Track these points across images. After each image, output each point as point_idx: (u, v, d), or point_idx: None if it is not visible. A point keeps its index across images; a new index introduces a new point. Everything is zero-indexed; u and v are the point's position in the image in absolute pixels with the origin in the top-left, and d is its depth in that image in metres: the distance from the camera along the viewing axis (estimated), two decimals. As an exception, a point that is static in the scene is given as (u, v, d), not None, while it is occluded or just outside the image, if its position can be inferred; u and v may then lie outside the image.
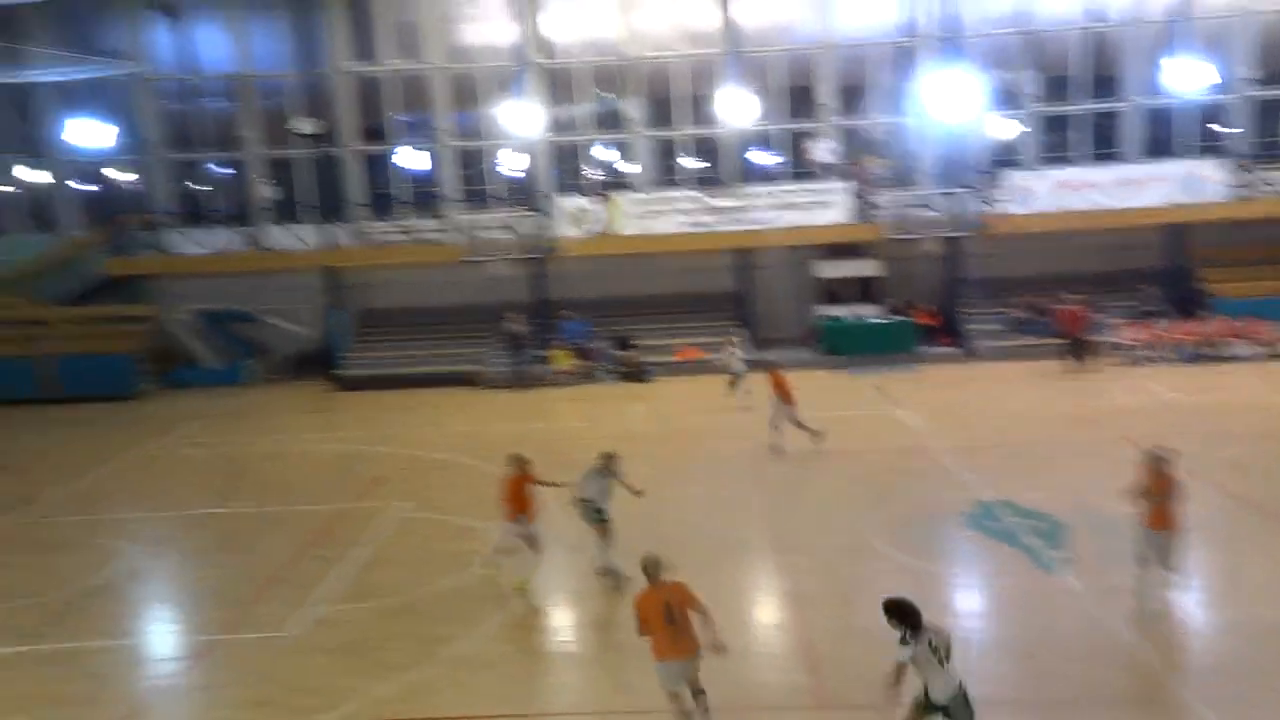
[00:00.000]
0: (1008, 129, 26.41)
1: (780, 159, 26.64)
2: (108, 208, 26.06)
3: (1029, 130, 26.16)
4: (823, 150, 25.50)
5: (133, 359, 24.20)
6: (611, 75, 26.29)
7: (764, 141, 26.68)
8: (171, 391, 24.64)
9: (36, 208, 27.75)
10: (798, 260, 25.81)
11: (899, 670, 6.84)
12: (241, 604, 11.17)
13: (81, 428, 21.12)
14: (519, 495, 11.06)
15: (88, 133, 24.93)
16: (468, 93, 26.43)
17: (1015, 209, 24.08)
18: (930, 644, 6.82)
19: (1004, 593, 10.92)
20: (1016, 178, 24.52)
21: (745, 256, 25.59)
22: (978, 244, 24.57)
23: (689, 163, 26.77)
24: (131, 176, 27.50)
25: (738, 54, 25.08)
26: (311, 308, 25.85)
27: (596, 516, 11.32)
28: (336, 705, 8.82)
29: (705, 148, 26.93)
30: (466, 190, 26.98)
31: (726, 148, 26.09)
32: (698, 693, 7.83)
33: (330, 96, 25.78)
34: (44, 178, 27.47)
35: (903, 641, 6.82)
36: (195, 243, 25.51)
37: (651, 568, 7.94)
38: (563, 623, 10.99)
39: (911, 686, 6.96)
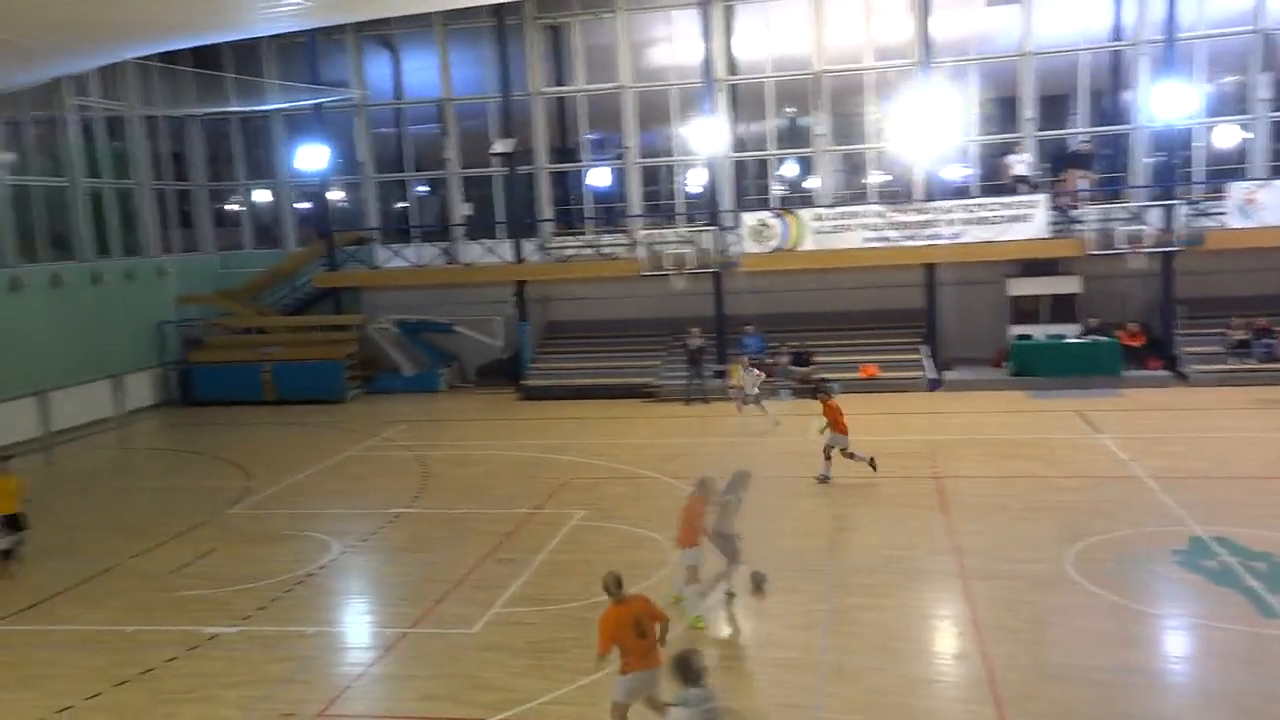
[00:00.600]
0: (1230, 136, 24.33)
1: (971, 172, 25.61)
2: (323, 225, 28.19)
3: (1254, 137, 23.98)
4: (1019, 163, 24.33)
5: (341, 366, 26.01)
6: (798, 90, 26.09)
7: (956, 154, 25.73)
8: (373, 397, 26.31)
9: (262, 226, 30.40)
10: (988, 277, 24.70)
11: None
12: (430, 600, 11.74)
13: (295, 428, 22.85)
14: (696, 522, 10.79)
15: (309, 157, 27.17)
16: (654, 111, 26.92)
17: (1237, 222, 22.15)
18: (708, 712, 6.56)
19: (1219, 639, 9.98)
20: (1239, 188, 22.54)
21: (931, 272, 24.74)
22: (1193, 260, 22.76)
23: (875, 177, 26.17)
24: (344, 196, 29.63)
25: (931, 65, 24.31)
26: (501, 319, 26.97)
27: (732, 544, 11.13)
28: (514, 704, 9.11)
29: (893, 162, 26.27)
30: (650, 206, 27.47)
31: (915, 161, 25.33)
32: (660, 706, 7.72)
33: (525, 118, 26.89)
34: (269, 198, 30.07)
35: (680, 701, 6.59)
36: (398, 257, 27.20)
37: (613, 585, 8.00)
38: (746, 639, 10.84)
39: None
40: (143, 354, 26.00)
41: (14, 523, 13.60)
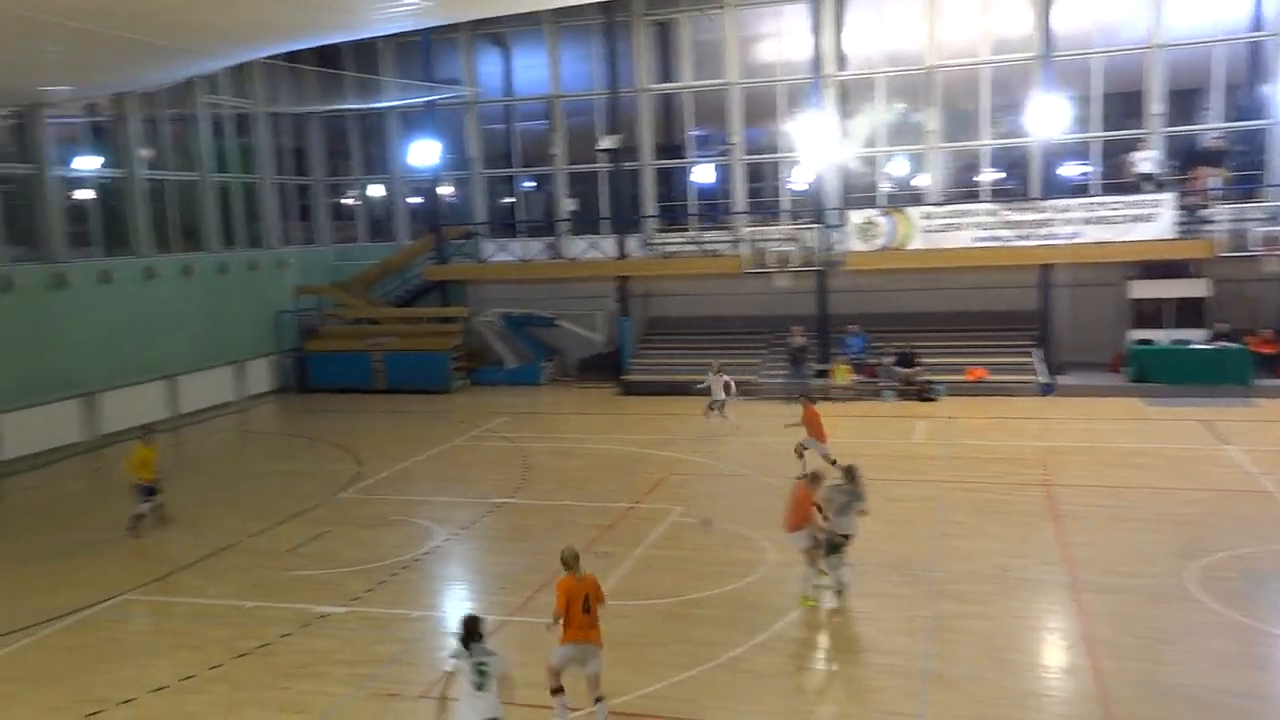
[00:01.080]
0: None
1: (1091, 170, 24.63)
2: (433, 220, 28.93)
3: None
4: (1144, 160, 23.26)
5: (448, 357, 26.66)
6: (910, 86, 25.54)
7: (1076, 152, 24.79)
8: (477, 388, 26.90)
9: (376, 219, 31.40)
10: (1108, 279, 23.71)
11: (446, 679, 7.52)
12: (529, 590, 11.95)
13: (403, 417, 23.54)
14: (804, 508, 11.03)
15: (422, 152, 27.95)
16: (760, 107, 26.74)
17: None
18: (479, 665, 7.25)
19: (1356, 668, 9.40)
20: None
21: (1046, 273, 23.89)
22: (1335, 263, 21.39)
23: (988, 175, 25.41)
24: (453, 191, 30.35)
25: (1053, 59, 23.46)
26: (603, 314, 27.22)
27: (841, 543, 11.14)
28: (608, 696, 9.18)
29: (1008, 159, 25.47)
30: (754, 203, 27.32)
31: (1032, 159, 24.51)
32: (599, 698, 8.51)
33: (631, 114, 27.06)
34: (383, 193, 31.04)
35: (454, 654, 7.42)
36: (504, 251, 27.71)
37: (571, 560, 8.77)
38: (845, 642, 10.72)
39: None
40: (263, 341, 27.17)
41: (150, 491, 14.66)
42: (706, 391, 20.36)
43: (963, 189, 25.77)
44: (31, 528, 15.56)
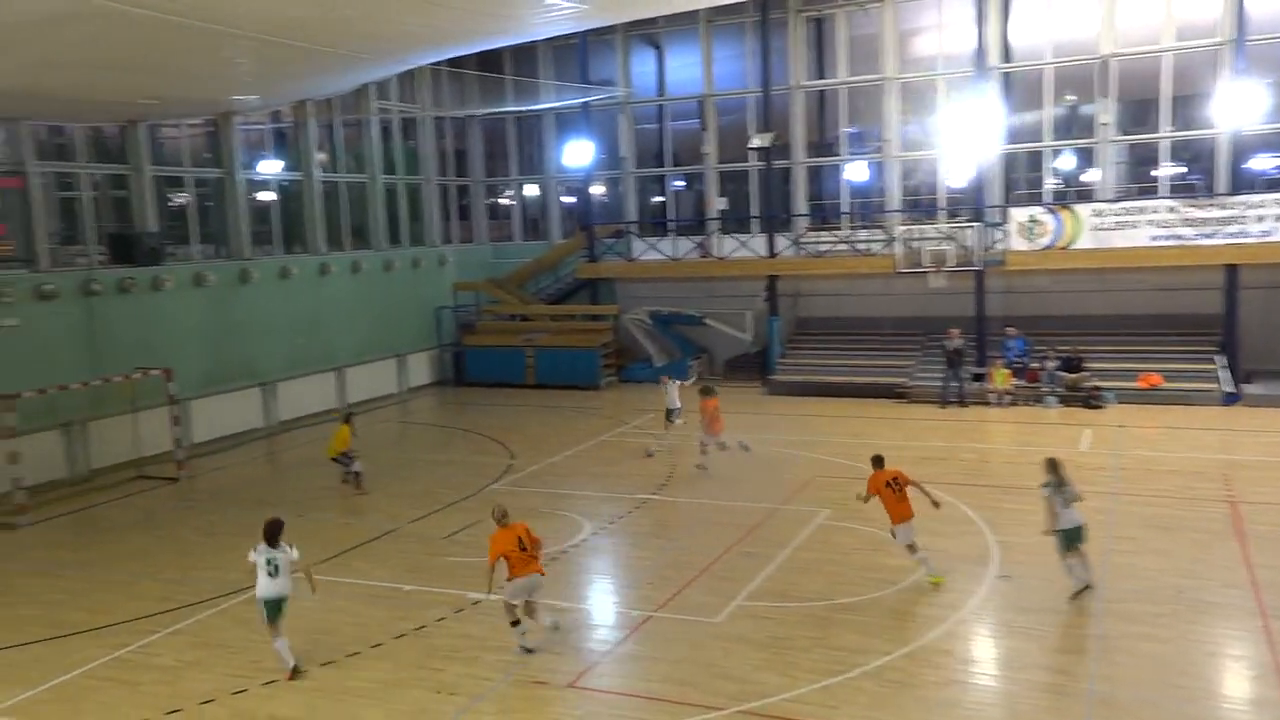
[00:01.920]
0: None
1: (1287, 162, 22.73)
2: (584, 218, 29.48)
3: None
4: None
5: (597, 353, 27.12)
6: (1079, 76, 24.24)
7: (1269, 144, 22.92)
8: (625, 385, 27.24)
9: (531, 218, 32.26)
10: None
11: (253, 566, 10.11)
12: (675, 586, 12.02)
13: (553, 411, 24.09)
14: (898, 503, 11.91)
15: (576, 153, 28.55)
16: (918, 102, 25.98)
17: None
18: (269, 560, 10.01)
19: None
20: None
21: (1233, 274, 22.18)
22: None
23: (1167, 169, 23.82)
24: (605, 190, 30.84)
25: (1245, 43, 21.77)
26: (751, 314, 27.06)
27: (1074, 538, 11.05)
28: (754, 697, 9.16)
29: (1189, 152, 23.82)
30: (909, 201, 26.56)
31: (1219, 151, 22.83)
32: (534, 607, 10.41)
33: (784, 112, 26.79)
34: (537, 192, 31.87)
35: (255, 550, 10.10)
36: (654, 250, 27.95)
37: (499, 515, 10.59)
38: (1003, 657, 10.30)
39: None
40: (423, 336, 28.37)
41: (349, 458, 17.07)
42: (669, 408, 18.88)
43: (1138, 185, 24.27)
44: (217, 506, 16.78)
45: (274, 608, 10.02)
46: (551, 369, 27.17)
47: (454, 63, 27.37)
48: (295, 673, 9.94)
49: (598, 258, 28.70)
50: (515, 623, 10.27)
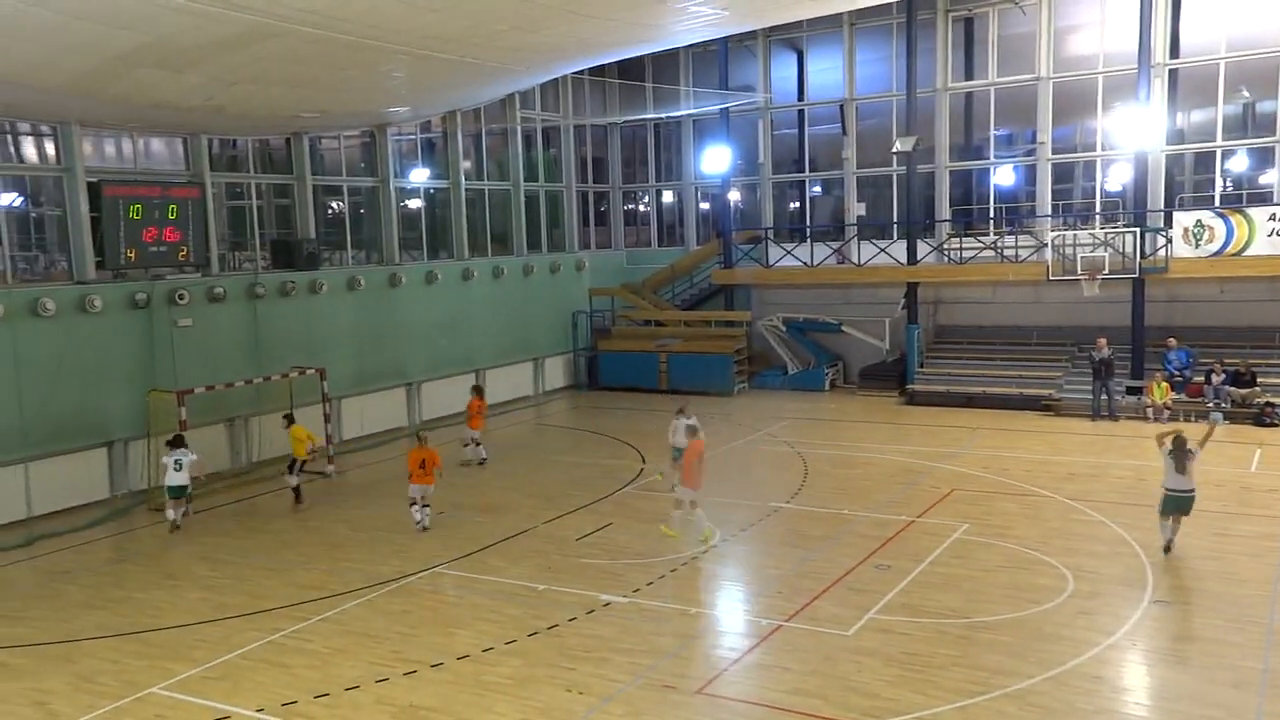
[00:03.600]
0: None
1: None
2: (721, 224, 29.45)
3: None
4: None
5: (730, 360, 27.03)
6: (1256, 72, 22.63)
7: None
8: (758, 392, 27.05)
9: (667, 224, 32.47)
10: None
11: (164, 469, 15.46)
12: (806, 596, 11.85)
13: (686, 417, 24.11)
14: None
15: (713, 159, 28.59)
16: (1072, 103, 24.81)
17: None
18: (175, 460, 15.51)
19: None
20: None
21: None
22: None
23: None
24: (741, 196, 30.73)
25: None
26: (890, 321, 26.43)
27: None
28: (886, 713, 8.93)
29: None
30: (1062, 205, 25.38)
31: None
32: (427, 504, 15.15)
33: (928, 115, 26.06)
34: (673, 198, 32.06)
35: (163, 454, 15.67)
36: (790, 256, 27.66)
37: (421, 436, 15.69)
38: (1158, 687, 9.72)
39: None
40: (560, 340, 28.95)
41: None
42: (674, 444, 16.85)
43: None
44: (364, 501, 17.57)
45: (176, 492, 15.60)
46: (684, 374, 27.25)
47: (595, 71, 27.89)
48: (174, 528, 15.50)
49: (733, 264, 28.62)
50: (412, 503, 15.14)
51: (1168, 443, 12.66)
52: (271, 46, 14.41)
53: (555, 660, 10.41)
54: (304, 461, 17.33)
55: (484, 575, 13.20)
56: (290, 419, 17.86)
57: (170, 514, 15.66)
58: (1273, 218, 21.09)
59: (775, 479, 17.68)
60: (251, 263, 21.46)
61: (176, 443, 15.77)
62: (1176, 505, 12.65)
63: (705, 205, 31.58)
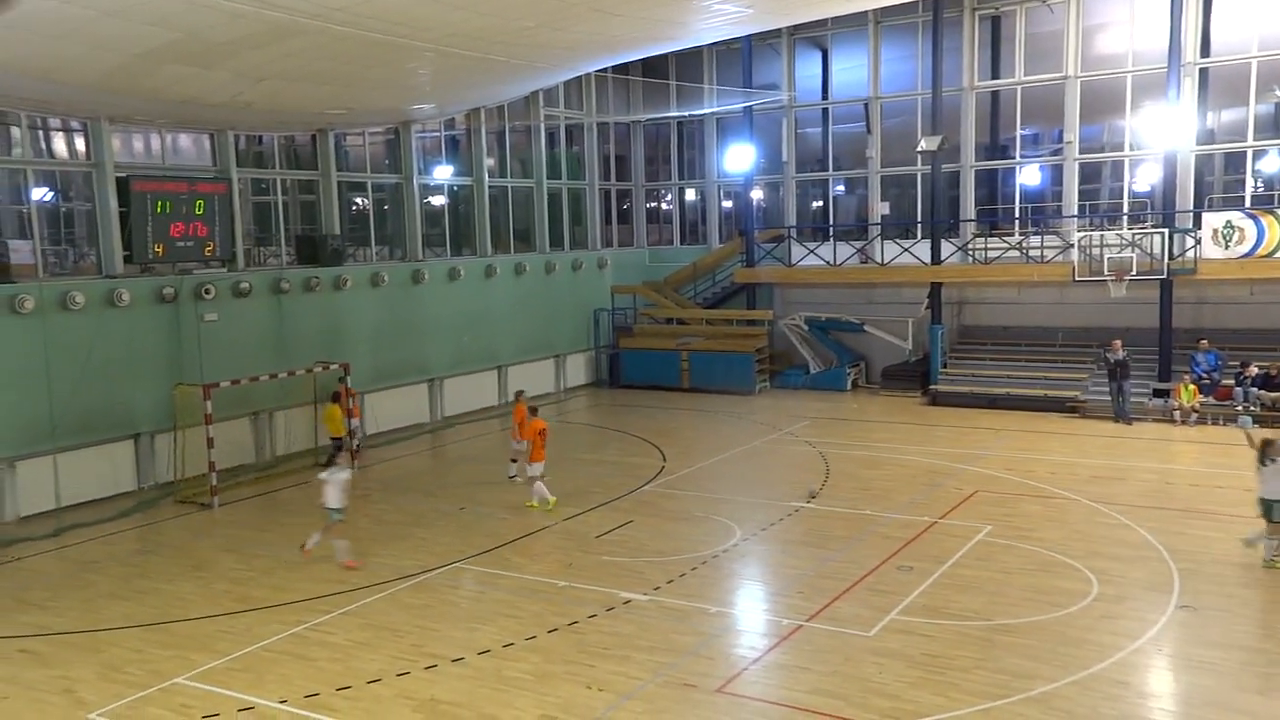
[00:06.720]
0: None
1: None
2: (744, 222, 29.38)
3: None
4: None
5: (752, 359, 26.97)
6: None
7: None
8: (780, 391, 26.97)
9: (690, 222, 32.44)
10: None
11: None
12: (827, 596, 11.81)
13: (707, 416, 24.13)
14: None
15: (737, 157, 28.53)
16: (1100, 102, 24.57)
17: None
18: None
19: None
20: None
21: None
22: None
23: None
24: (764, 194, 30.66)
25: None
26: (913, 321, 26.29)
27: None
28: (907, 715, 8.89)
29: None
30: (1089, 205, 25.14)
31: None
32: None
33: (954, 114, 25.88)
34: (697, 197, 32.02)
35: None
36: (813, 255, 27.56)
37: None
38: (1184, 692, 9.63)
39: None
40: (581, 337, 28.99)
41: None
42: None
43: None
44: (386, 496, 17.66)
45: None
46: (706, 373, 27.21)
47: (618, 69, 27.87)
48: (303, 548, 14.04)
49: (755, 262, 28.54)
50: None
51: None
52: (299, 43, 14.53)
53: (574, 657, 10.43)
54: (341, 441, 18.63)
55: (505, 571, 13.24)
56: (336, 396, 18.98)
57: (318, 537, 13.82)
58: (1304, 219, 20.81)
59: (797, 478, 17.60)
60: (276, 258, 21.63)
61: (330, 460, 15.27)
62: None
63: (728, 204, 31.52)
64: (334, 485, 13.58)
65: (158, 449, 18.31)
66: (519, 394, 18.69)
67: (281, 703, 9.56)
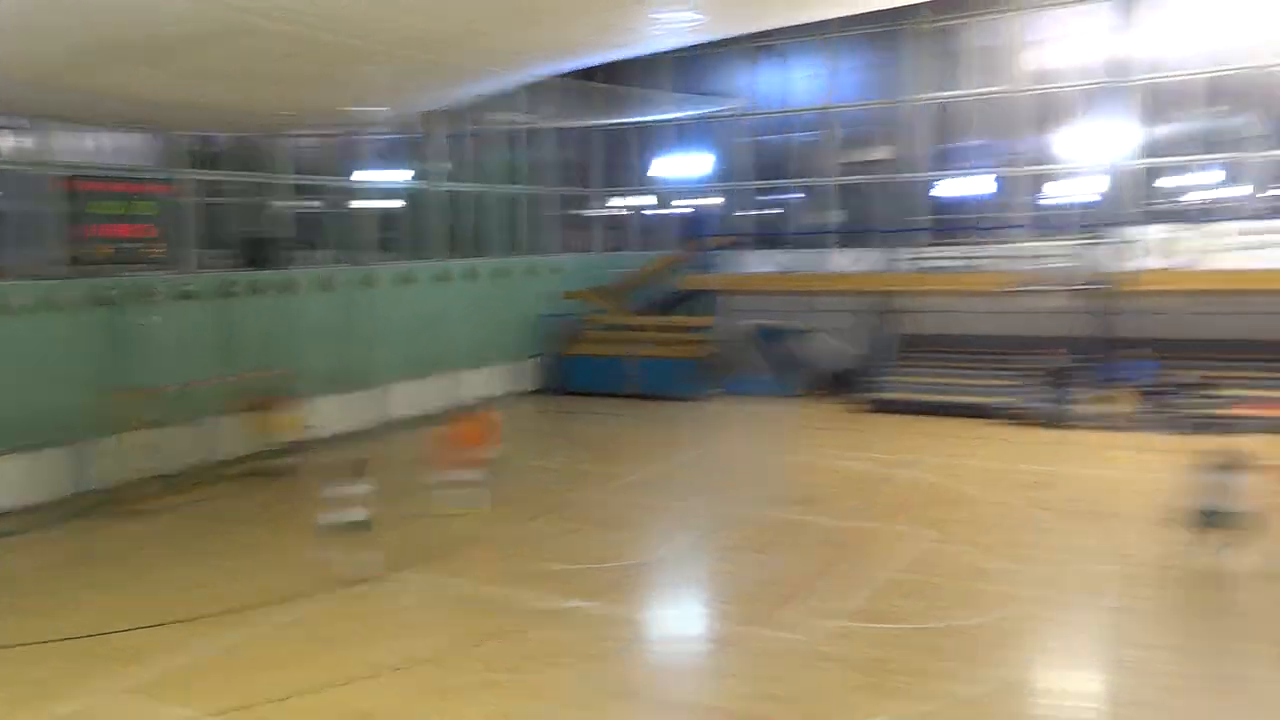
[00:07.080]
0: None
1: None
2: (694, 229, 29.54)
3: None
4: None
5: (699, 365, 27.06)
6: (1228, 89, 23.00)
7: None
8: (728, 398, 27.09)
9: (646, 228, 32.53)
10: None
11: None
12: (764, 602, 11.91)
13: (652, 422, 24.13)
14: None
15: (688, 164, 28.69)
16: (1047, 114, 25.12)
17: None
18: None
19: None
20: None
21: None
22: None
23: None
24: (714, 202, 30.86)
25: None
26: (858, 329, 26.60)
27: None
28: (840, 716, 9.01)
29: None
30: (1031, 216, 25.68)
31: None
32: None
33: (903, 124, 26.28)
34: (653, 202, 32.13)
35: None
36: (763, 262, 27.77)
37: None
38: (1114, 694, 9.87)
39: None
40: (531, 343, 28.88)
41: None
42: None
43: (1283, 202, 22.93)
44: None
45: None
46: (653, 379, 27.17)
47: (579, 74, 27.87)
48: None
49: (705, 269, 28.68)
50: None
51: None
52: (247, 44, 14.35)
53: (516, 665, 10.40)
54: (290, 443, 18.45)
55: (445, 578, 13.16)
56: (265, 403, 18.80)
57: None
58: (1242, 231, 21.43)
59: (741, 485, 17.74)
60: (223, 260, 21.32)
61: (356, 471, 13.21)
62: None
63: (683, 210, 31.66)
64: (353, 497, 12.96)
65: (94, 455, 17.90)
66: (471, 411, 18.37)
67: (216, 717, 9.41)
